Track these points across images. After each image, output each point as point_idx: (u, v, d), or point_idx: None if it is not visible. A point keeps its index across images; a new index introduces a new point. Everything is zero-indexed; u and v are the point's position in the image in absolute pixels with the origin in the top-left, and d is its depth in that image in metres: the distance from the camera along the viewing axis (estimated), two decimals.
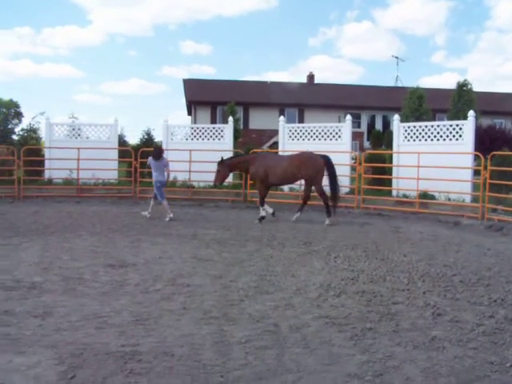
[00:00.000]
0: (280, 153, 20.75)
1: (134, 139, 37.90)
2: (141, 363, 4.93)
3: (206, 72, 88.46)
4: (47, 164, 21.66)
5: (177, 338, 5.59)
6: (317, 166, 14.42)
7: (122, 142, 27.86)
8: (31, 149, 22.25)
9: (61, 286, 7.60)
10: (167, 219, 14.46)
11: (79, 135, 23.04)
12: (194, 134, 22.78)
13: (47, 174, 21.57)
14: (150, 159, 14.93)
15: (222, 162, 15.08)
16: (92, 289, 7.50)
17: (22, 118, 43.99)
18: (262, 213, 14.61)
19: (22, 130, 34.41)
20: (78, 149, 19.60)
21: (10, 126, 38.34)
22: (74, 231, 12.37)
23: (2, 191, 19.56)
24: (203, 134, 22.63)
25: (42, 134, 32.40)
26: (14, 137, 34.22)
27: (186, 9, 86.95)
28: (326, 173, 14.58)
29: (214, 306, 6.75)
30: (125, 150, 24.33)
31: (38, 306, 6.66)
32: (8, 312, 6.38)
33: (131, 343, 5.39)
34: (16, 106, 45.48)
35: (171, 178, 17.74)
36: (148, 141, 30.36)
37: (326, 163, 14.49)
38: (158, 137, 30.19)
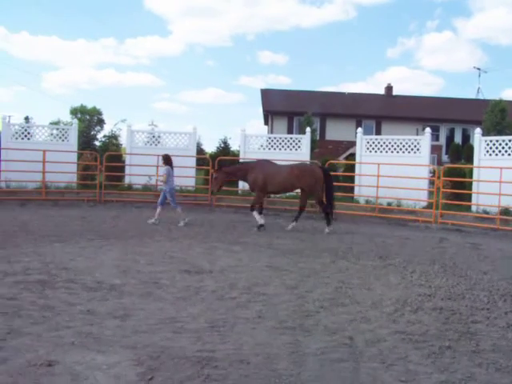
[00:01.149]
0: (357, 165, 20.63)
1: (210, 147, 38.49)
2: (217, 369, 4.97)
3: (283, 82, 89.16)
4: (127, 170, 22.25)
5: (252, 346, 5.61)
6: (316, 177, 14.65)
7: (198, 150, 28.31)
8: (112, 155, 22.97)
9: (139, 290, 7.78)
10: (182, 224, 14.72)
11: (159, 142, 23.57)
12: (272, 143, 22.91)
13: (127, 180, 22.17)
14: (169, 168, 15.10)
15: (219, 169, 15.20)
16: (169, 294, 7.64)
17: (104, 125, 45.65)
18: (261, 221, 14.58)
19: (104, 136, 35.61)
20: (158, 156, 20.01)
21: (92, 133, 39.73)
22: (151, 236, 12.65)
23: (84, 195, 20.25)
24: (280, 143, 22.74)
25: (123, 140, 33.53)
26: (97, 143, 35.43)
27: (264, 19, 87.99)
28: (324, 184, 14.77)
29: (290, 315, 6.74)
30: (202, 158, 24.69)
31: (117, 307, 6.84)
32: (90, 311, 6.59)
33: (207, 349, 5.45)
34: (99, 113, 47.17)
35: None
36: (224, 149, 30.76)
37: (325, 175, 14.78)
38: (233, 145, 30.57)
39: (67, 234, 12.44)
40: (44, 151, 19.61)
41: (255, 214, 14.67)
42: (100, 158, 20.52)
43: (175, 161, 19.99)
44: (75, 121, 25.33)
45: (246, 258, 10.51)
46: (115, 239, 12.07)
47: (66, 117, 48.78)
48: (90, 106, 48.26)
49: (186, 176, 20.92)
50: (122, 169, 22.66)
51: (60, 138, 22.67)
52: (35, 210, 17.24)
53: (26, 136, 22.46)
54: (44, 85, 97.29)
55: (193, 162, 22.66)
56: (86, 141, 32.02)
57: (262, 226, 14.51)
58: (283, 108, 40.38)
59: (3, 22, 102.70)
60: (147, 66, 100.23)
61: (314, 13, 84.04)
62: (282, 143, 22.76)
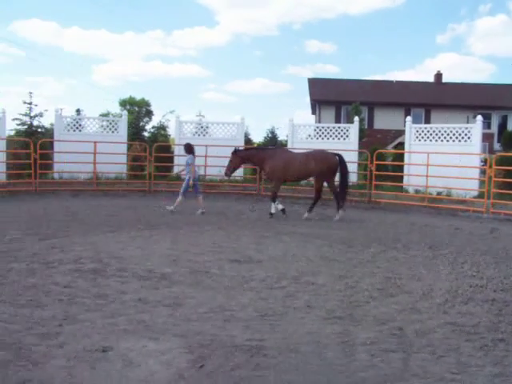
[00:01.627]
0: (406, 154, 20.39)
1: (257, 138, 38.50)
2: (267, 358, 5.01)
3: (330, 71, 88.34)
4: (176, 160, 22.46)
5: (302, 335, 5.63)
6: (330, 164, 14.68)
7: (246, 140, 28.41)
8: (161, 145, 23.23)
9: (189, 279, 7.88)
10: (199, 212, 14.83)
11: (207, 133, 23.72)
12: (319, 133, 22.82)
13: (176, 170, 22.40)
14: (192, 157, 15.11)
15: (234, 153, 15.09)
16: (218, 283, 7.72)
17: (153, 116, 46.14)
18: (273, 209, 14.71)
19: (153, 127, 36.00)
20: (206, 146, 20.17)
21: (141, 124, 40.23)
22: (200, 226, 12.78)
23: (134, 186, 20.57)
24: (328, 133, 22.63)
25: (171, 131, 33.85)
26: (146, 134, 35.86)
27: (311, 8, 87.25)
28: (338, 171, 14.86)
29: (339, 305, 6.74)
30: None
31: (168, 296, 6.95)
32: (141, 300, 6.72)
33: (257, 338, 5.50)
34: (147, 104, 47.69)
35: None
36: (272, 139, 30.80)
37: (340, 161, 14.76)
38: (281, 135, 30.54)
39: (118, 224, 12.69)
40: (95, 142, 19.98)
41: (273, 204, 14.80)
42: (149, 149, 20.80)
43: (223, 151, 20.17)
44: (125, 112, 25.68)
45: (294, 247, 10.52)
46: (165, 229, 12.24)
47: (115, 109, 49.47)
48: (138, 97, 48.87)
49: None
50: (170, 159, 22.88)
51: (110, 129, 23.04)
52: (87, 200, 17.63)
53: (77, 128, 22.89)
54: (94, 77, 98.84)
55: None
56: (135, 132, 32.41)
57: (272, 214, 14.67)
58: (331, 97, 40.11)
59: (56, 18, 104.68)
60: (194, 57, 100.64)
61: (362, 0, 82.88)
62: (330, 133, 22.64)
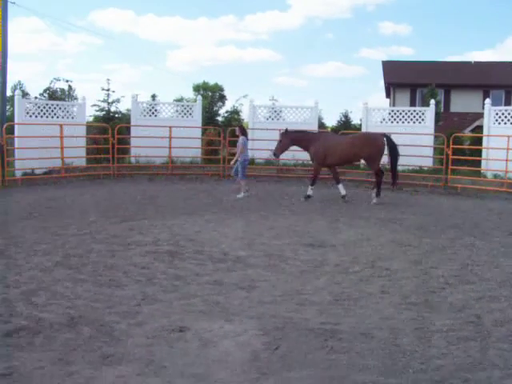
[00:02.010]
0: (485, 138, 19.81)
1: (330, 121, 38.22)
2: (341, 342, 5.03)
3: (405, 53, 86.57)
4: (250, 144, 22.54)
5: (376, 320, 5.62)
6: (378, 146, 14.49)
7: (319, 124, 28.21)
8: (235, 130, 23.38)
9: (263, 262, 7.97)
10: (241, 196, 14.73)
11: (280, 117, 23.70)
12: (394, 116, 22.42)
13: (250, 154, 22.52)
14: (244, 139, 15.09)
15: (285, 134, 15.10)
16: (293, 266, 7.77)
17: (226, 101, 46.49)
18: (310, 192, 14.73)
19: (227, 111, 36.24)
20: (279, 130, 20.14)
21: (215, 108, 40.62)
22: (274, 210, 12.84)
23: (208, 170, 20.85)
24: (403, 117, 22.17)
25: (244, 115, 34.02)
26: (219, 118, 36.17)
27: None
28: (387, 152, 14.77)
29: (414, 291, 6.67)
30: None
31: (243, 278, 7.06)
32: (217, 282, 6.87)
33: (331, 322, 5.52)
34: (220, 89, 48.10)
35: None
36: (345, 123, 30.50)
37: (388, 142, 14.60)
38: (354, 119, 30.21)
39: (193, 208, 12.92)
40: (170, 127, 20.31)
41: (310, 187, 14.83)
42: (223, 133, 20.99)
43: None
44: (199, 97, 25.94)
45: (368, 232, 10.44)
46: (239, 212, 12.38)
47: (189, 94, 50.13)
48: (211, 82, 49.34)
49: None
50: None
51: (185, 114, 23.34)
52: (163, 184, 17.99)
53: (153, 113, 23.34)
54: (168, 63, 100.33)
55: None
56: (209, 116, 32.71)
57: (309, 196, 14.70)
58: (405, 80, 39.23)
59: (132, 7, 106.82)
60: (266, 41, 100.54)
61: None
62: (405, 116, 22.17)
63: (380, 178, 14.56)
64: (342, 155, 14.60)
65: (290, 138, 15.07)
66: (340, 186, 14.82)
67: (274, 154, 15.51)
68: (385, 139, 14.58)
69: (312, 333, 5.23)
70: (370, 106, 22.67)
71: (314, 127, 22.33)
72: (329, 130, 31.41)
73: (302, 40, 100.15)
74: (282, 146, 15.13)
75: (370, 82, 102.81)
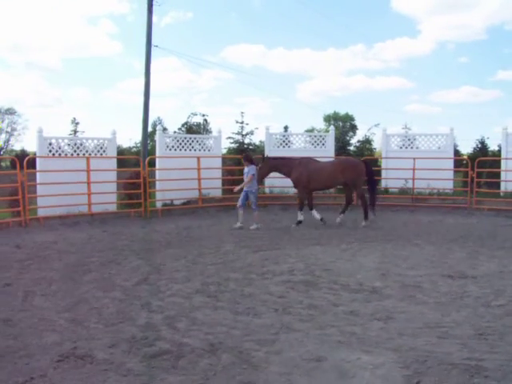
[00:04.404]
0: None
1: (465, 148, 36.83)
2: (487, 380, 4.76)
3: None
4: (384, 174, 22.29)
5: None
6: (359, 171, 14.87)
7: (454, 151, 27.31)
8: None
9: (400, 293, 7.78)
10: (254, 227, 14.37)
11: (414, 145, 23.22)
12: None
13: (383, 184, 22.21)
14: (253, 167, 14.58)
15: (264, 160, 15.27)
16: (431, 298, 7.52)
17: (357, 130, 46.42)
18: (300, 217, 14.90)
19: (358, 141, 36.07)
20: (414, 159, 19.74)
21: (346, 138, 40.61)
22: (410, 240, 12.52)
23: (340, 200, 20.75)
24: None
25: (376, 144, 33.73)
26: (350, 148, 36.05)
27: None
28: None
29: None
30: (460, 160, 23.80)
31: (379, 309, 6.93)
32: (353, 312, 6.79)
33: (476, 357, 5.25)
34: (351, 119, 48.23)
35: None
36: (482, 150, 29.27)
37: (367, 168, 15.02)
38: (492, 145, 28.93)
39: (325, 237, 12.89)
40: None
41: (299, 213, 14.96)
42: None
43: (431, 163, 19.67)
44: (332, 127, 26.04)
45: (511, 263, 9.89)
46: (373, 242, 12.20)
47: (320, 124, 50.50)
48: (342, 112, 49.50)
49: (443, 179, 20.30)
50: (378, 173, 22.74)
51: (318, 144, 23.49)
52: (296, 213, 18.06)
53: (286, 144, 23.69)
54: (298, 95, 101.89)
55: (450, 164, 21.84)
56: (341, 146, 32.71)
57: (300, 222, 14.84)
58: None
59: (262, 41, 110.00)
60: (396, 68, 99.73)
61: None
62: None
63: (365, 202, 14.95)
64: (325, 180, 14.91)
65: (270, 164, 15.19)
66: (299, 213, 14.97)
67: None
68: (364, 165, 15.09)
69: (455, 368, 5.00)
70: (510, 131, 21.52)
71: (449, 155, 21.72)
72: (465, 156, 30.28)
73: (434, 65, 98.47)
74: (261, 173, 15.09)
75: (509, 105, 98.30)
